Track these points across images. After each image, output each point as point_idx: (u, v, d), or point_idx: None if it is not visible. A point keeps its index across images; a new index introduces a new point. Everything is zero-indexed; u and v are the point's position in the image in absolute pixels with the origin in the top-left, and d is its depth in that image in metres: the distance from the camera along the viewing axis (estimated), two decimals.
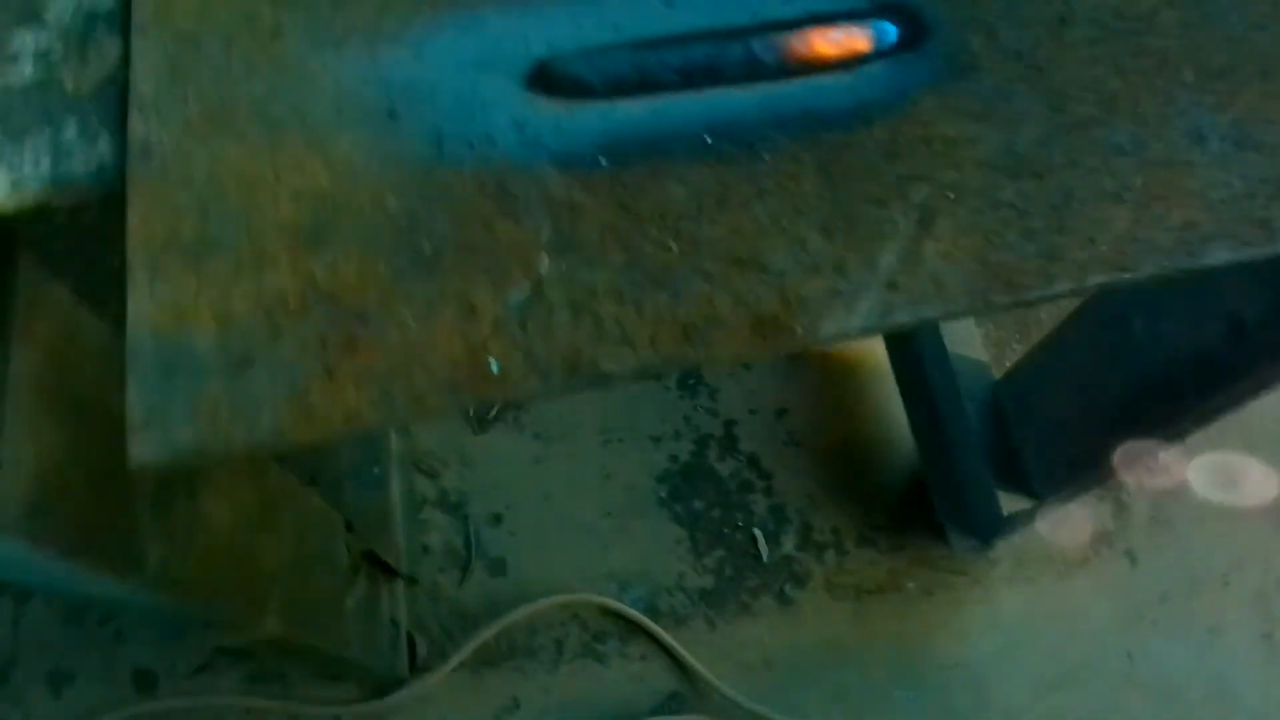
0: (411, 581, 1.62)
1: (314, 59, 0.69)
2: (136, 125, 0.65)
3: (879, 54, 0.71)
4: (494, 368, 0.61)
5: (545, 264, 0.64)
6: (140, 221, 0.63)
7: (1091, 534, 1.68)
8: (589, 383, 0.62)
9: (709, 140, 0.68)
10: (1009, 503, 1.48)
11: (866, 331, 0.64)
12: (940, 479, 1.63)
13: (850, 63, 0.70)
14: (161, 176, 0.64)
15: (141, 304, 0.61)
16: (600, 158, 0.67)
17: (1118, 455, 1.23)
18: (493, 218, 0.65)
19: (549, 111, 0.68)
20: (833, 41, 0.70)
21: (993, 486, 1.48)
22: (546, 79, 0.68)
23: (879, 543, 1.64)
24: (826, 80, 0.70)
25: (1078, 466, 1.40)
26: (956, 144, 0.69)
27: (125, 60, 0.68)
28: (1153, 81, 0.72)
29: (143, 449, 0.58)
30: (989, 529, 1.53)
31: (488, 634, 1.55)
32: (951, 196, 0.67)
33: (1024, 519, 1.49)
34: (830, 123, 0.69)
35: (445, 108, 0.68)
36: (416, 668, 1.56)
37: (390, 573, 1.55)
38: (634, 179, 0.67)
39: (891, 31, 0.71)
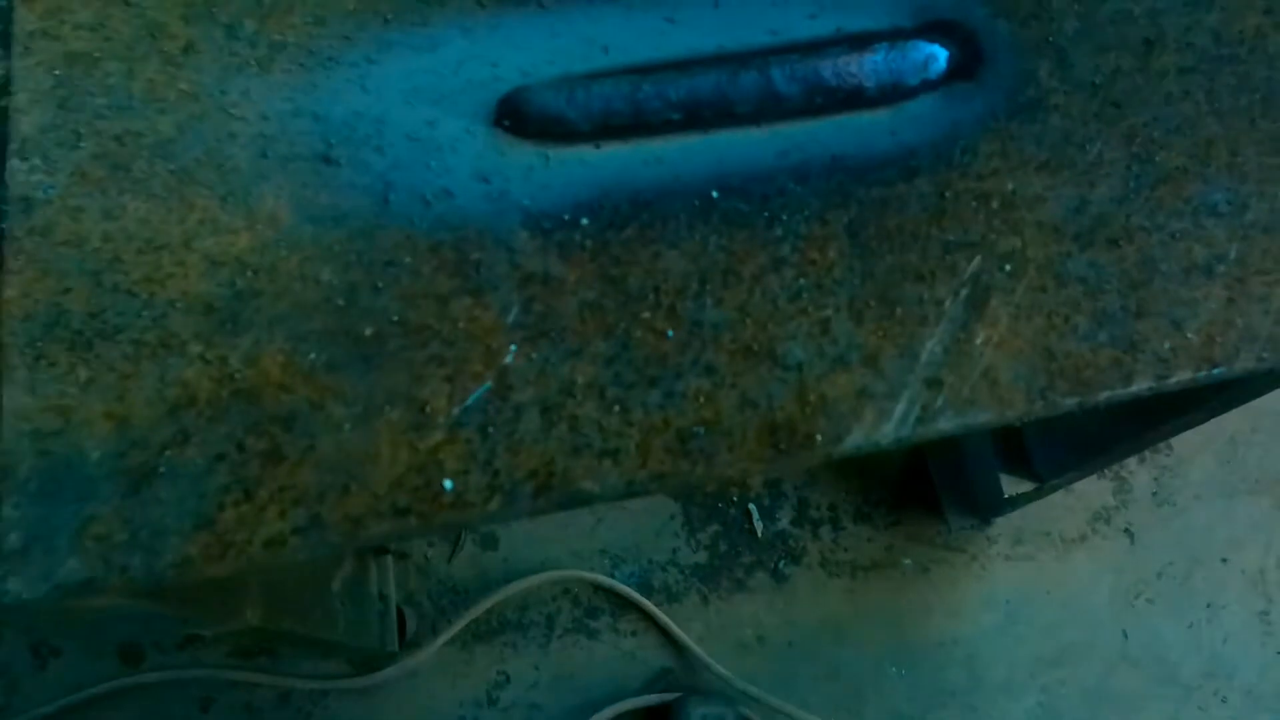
0: (401, 556, 1.55)
1: (234, 86, 0.56)
2: (17, 171, 0.53)
3: (926, 85, 0.58)
4: (448, 486, 0.50)
5: (512, 353, 0.53)
6: (19, 295, 0.51)
7: (1091, 511, 1.61)
8: (563, 503, 0.51)
9: (715, 196, 0.56)
10: (1010, 485, 1.45)
11: (901, 442, 0.52)
12: (943, 458, 1.59)
13: (891, 96, 0.58)
14: (46, 237, 0.52)
15: (19, 401, 0.50)
16: (582, 218, 0.55)
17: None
18: (449, 294, 0.53)
19: (520, 158, 0.56)
20: (870, 69, 0.57)
21: (996, 468, 1.47)
22: (517, 116, 0.56)
23: (875, 519, 1.62)
24: (861, 119, 0.58)
25: (1082, 450, 1.34)
26: (1018, 202, 0.56)
27: (6, 84, 0.56)
28: (1255, 123, 0.59)
29: (17, 582, 0.48)
30: (989, 509, 1.55)
31: (479, 609, 1.51)
32: (1009, 270, 0.55)
33: (1025, 500, 1.46)
34: (864, 174, 0.56)
35: (394, 152, 0.55)
36: (407, 642, 1.51)
37: (379, 548, 1.48)
38: (623, 245, 0.55)
39: (942, 56, 0.58)
